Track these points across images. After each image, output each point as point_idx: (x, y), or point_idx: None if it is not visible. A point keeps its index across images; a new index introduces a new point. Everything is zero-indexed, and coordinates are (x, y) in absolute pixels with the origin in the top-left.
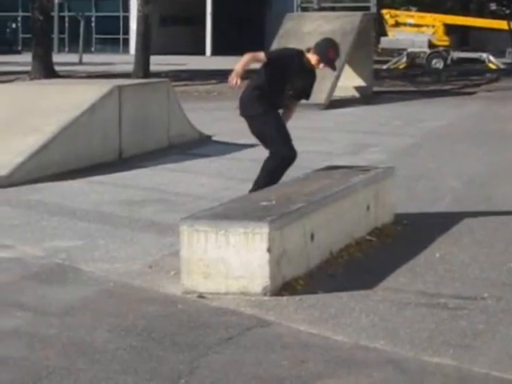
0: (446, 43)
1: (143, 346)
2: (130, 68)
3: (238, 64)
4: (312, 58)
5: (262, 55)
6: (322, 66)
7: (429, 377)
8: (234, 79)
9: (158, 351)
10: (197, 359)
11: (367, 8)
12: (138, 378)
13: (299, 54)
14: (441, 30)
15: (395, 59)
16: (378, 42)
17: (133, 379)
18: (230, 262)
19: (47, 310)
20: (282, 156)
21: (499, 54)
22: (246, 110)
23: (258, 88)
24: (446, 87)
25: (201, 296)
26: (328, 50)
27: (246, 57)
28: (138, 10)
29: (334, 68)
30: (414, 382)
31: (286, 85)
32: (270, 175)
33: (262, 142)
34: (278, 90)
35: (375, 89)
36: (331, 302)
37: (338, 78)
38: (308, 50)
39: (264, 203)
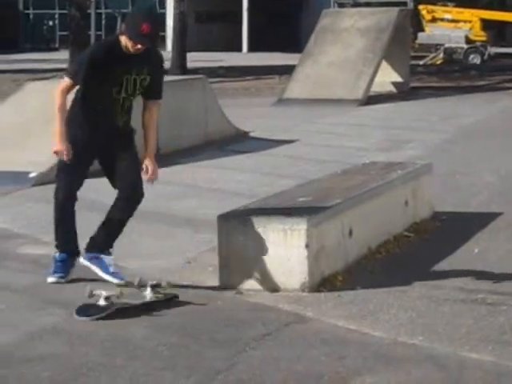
0: (483, 38)
1: (181, 342)
2: (166, 65)
3: (56, 124)
4: (126, 41)
5: (66, 84)
6: (139, 46)
7: (467, 373)
8: (59, 153)
9: (196, 347)
10: (235, 355)
11: (404, 3)
12: (176, 375)
13: (113, 42)
14: (478, 25)
15: (432, 55)
16: (415, 37)
17: (172, 375)
18: (268, 258)
19: None
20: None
21: None
22: None
23: (74, 105)
24: (483, 83)
25: (239, 292)
26: (140, 24)
27: (57, 107)
28: (175, 7)
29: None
30: (452, 378)
31: (106, 87)
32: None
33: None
34: (97, 96)
35: (412, 84)
36: (370, 298)
37: (374, 74)
38: (122, 33)
39: (302, 199)
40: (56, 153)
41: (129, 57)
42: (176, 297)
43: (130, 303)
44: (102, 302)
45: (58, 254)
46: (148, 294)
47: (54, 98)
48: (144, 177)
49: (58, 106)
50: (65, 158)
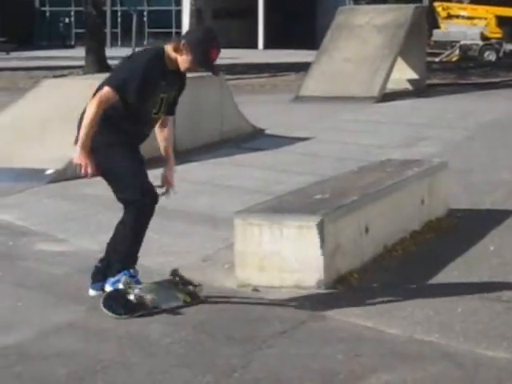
0: (499, 35)
1: (197, 339)
2: None
3: (81, 131)
4: (182, 59)
5: (109, 95)
6: (196, 68)
7: (483, 370)
8: (84, 166)
9: (212, 345)
10: (251, 353)
11: (419, 0)
12: (192, 372)
13: (160, 57)
14: (493, 22)
15: (448, 52)
16: (431, 34)
17: (188, 373)
18: (284, 255)
19: None
20: (137, 206)
21: None
22: None
23: (106, 110)
24: (499, 79)
25: (255, 289)
26: (209, 50)
27: (91, 114)
28: (191, 4)
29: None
30: (468, 376)
31: (148, 106)
32: (135, 233)
33: (108, 182)
34: (136, 115)
35: (428, 81)
36: (386, 296)
37: (390, 70)
38: (176, 49)
39: (318, 196)
40: (78, 165)
41: (170, 73)
42: (202, 302)
43: (160, 307)
44: (132, 298)
45: (132, 271)
46: (179, 295)
47: (90, 106)
48: (162, 189)
49: (92, 116)
50: (83, 171)
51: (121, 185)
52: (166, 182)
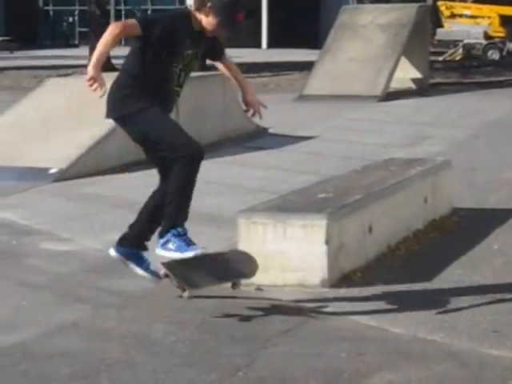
0: (502, 34)
1: (201, 338)
2: None
3: (96, 49)
4: (208, 20)
5: (133, 24)
6: (221, 31)
7: (488, 369)
8: (92, 81)
9: (215, 344)
10: (255, 352)
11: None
12: (196, 371)
13: (186, 15)
14: (496, 21)
15: (451, 51)
16: (434, 33)
17: (192, 372)
18: (288, 254)
19: (106, 302)
20: (190, 158)
21: None
22: (114, 111)
23: (129, 79)
24: (503, 78)
25: (258, 288)
26: (236, 13)
27: (109, 34)
28: (194, 3)
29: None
30: (473, 375)
31: (172, 65)
32: (184, 189)
33: (150, 149)
34: (160, 76)
35: (431, 80)
36: (389, 295)
37: (394, 69)
38: (198, 9)
39: (322, 195)
40: (91, 80)
41: (196, 33)
42: None
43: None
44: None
45: (180, 230)
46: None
47: (110, 27)
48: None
49: (109, 35)
50: (95, 86)
51: (167, 144)
52: (251, 105)
